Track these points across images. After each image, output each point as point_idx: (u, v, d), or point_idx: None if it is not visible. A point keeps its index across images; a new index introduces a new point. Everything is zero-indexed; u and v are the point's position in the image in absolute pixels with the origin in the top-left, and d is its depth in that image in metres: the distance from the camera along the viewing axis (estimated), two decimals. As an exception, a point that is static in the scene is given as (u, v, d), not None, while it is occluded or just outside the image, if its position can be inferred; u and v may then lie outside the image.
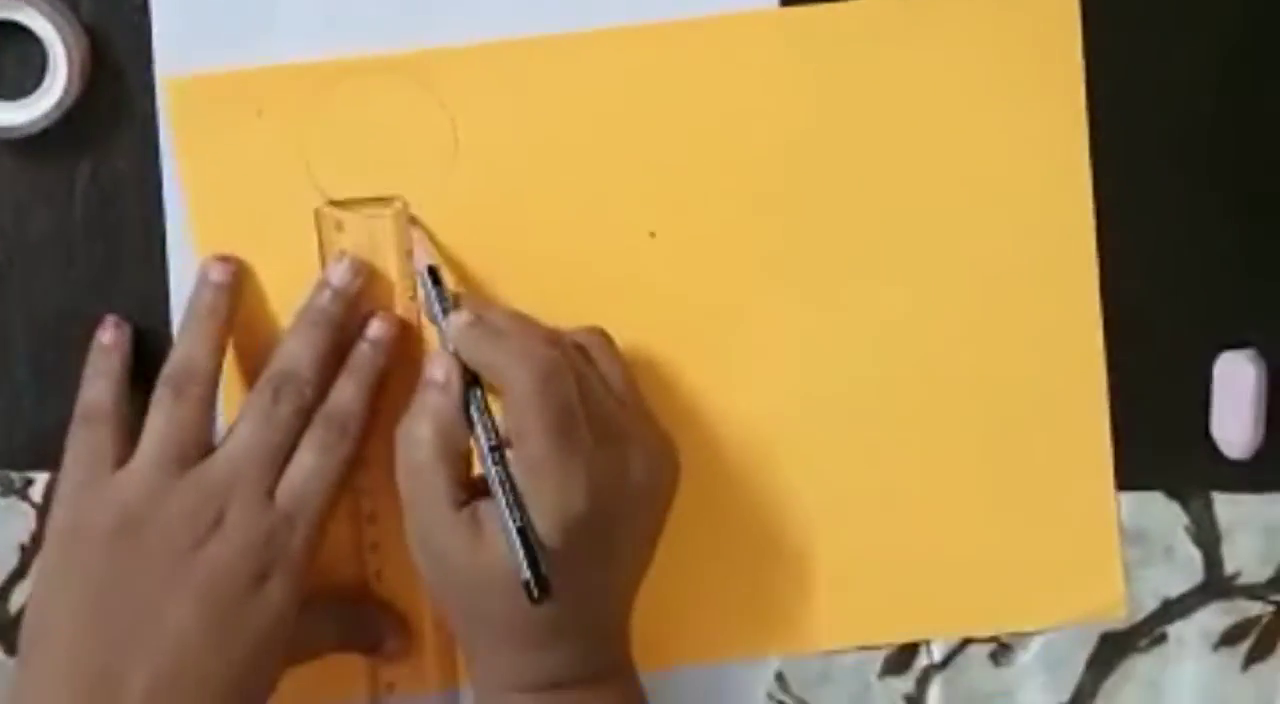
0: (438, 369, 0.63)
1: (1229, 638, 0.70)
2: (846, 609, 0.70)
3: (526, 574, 0.59)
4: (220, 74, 0.67)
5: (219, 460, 0.64)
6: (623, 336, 0.67)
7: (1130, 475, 0.69)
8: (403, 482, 0.63)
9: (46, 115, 0.66)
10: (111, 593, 0.62)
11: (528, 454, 0.61)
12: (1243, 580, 0.70)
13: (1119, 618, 0.70)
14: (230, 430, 0.65)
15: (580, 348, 0.65)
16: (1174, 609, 0.70)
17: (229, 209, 0.67)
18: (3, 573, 0.69)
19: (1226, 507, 0.70)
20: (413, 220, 0.67)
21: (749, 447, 0.69)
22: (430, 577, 0.64)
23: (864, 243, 0.68)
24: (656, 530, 0.66)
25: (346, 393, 0.66)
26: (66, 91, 0.66)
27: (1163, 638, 0.70)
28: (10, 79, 0.67)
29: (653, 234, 0.68)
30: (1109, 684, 0.70)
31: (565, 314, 0.67)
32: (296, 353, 0.65)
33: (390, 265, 0.68)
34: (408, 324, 0.68)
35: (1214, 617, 0.70)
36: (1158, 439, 0.69)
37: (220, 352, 0.66)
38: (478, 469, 0.63)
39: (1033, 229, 0.68)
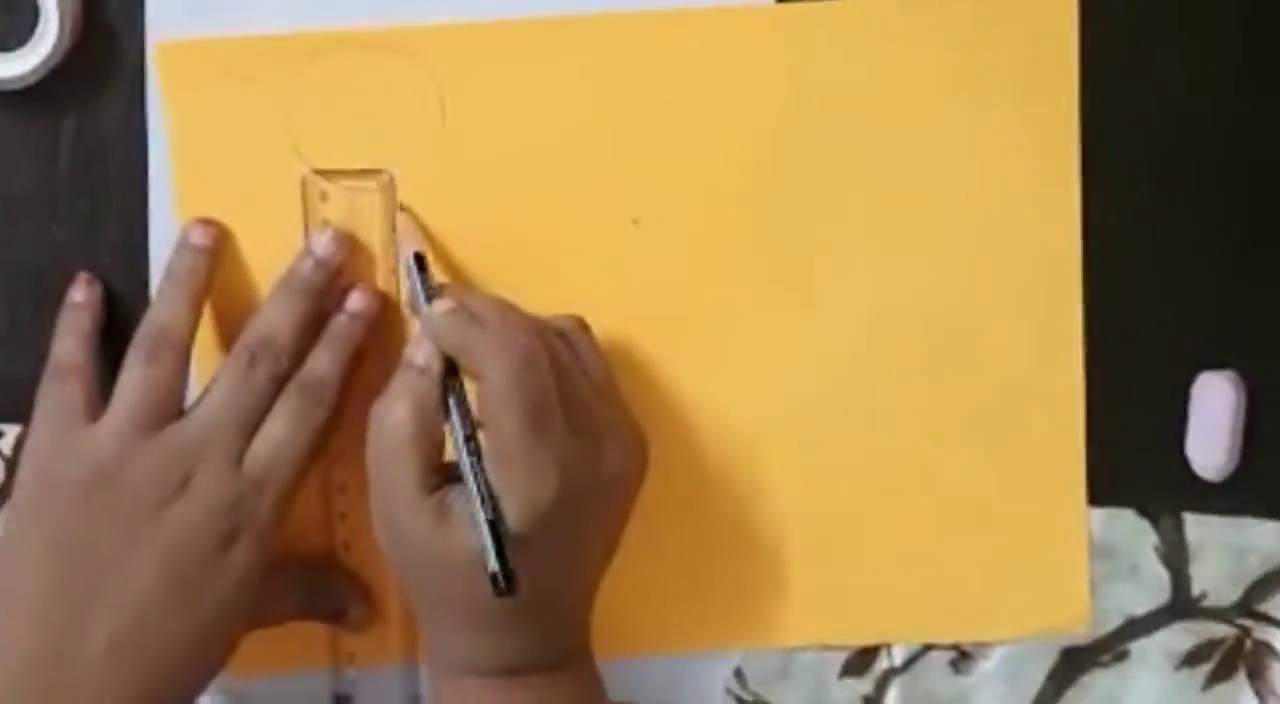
0: (419, 353, 0.63)
1: (1192, 658, 0.70)
2: (810, 608, 0.70)
3: (494, 567, 0.59)
4: (212, 39, 0.66)
5: (191, 422, 0.64)
6: (601, 322, 0.67)
7: (1102, 491, 0.69)
8: (372, 461, 0.63)
9: (35, 70, 0.66)
10: (78, 547, 0.63)
11: (500, 441, 0.61)
12: (1209, 602, 0.70)
13: (1082, 633, 0.70)
14: (204, 393, 0.65)
15: (561, 335, 0.65)
16: (1138, 627, 0.70)
17: (214, 173, 0.67)
18: (-30, 523, 0.69)
19: (1197, 527, 0.69)
20: (401, 206, 0.67)
21: (722, 440, 0.69)
22: (392, 556, 0.64)
23: (847, 243, 0.68)
24: (623, 520, 0.66)
25: (322, 362, 0.66)
26: (56, 47, 0.66)
27: (1125, 655, 0.70)
28: (0, 32, 0.66)
29: (635, 221, 0.67)
30: (1068, 697, 0.70)
31: (544, 296, 0.66)
32: (275, 319, 0.65)
33: (374, 238, 0.67)
34: (388, 298, 0.67)
35: (1177, 637, 0.70)
36: (1132, 456, 0.69)
37: (197, 315, 0.66)
38: (449, 455, 0.62)
39: (1018, 239, 0.67)
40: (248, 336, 0.65)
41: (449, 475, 0.62)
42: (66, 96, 0.67)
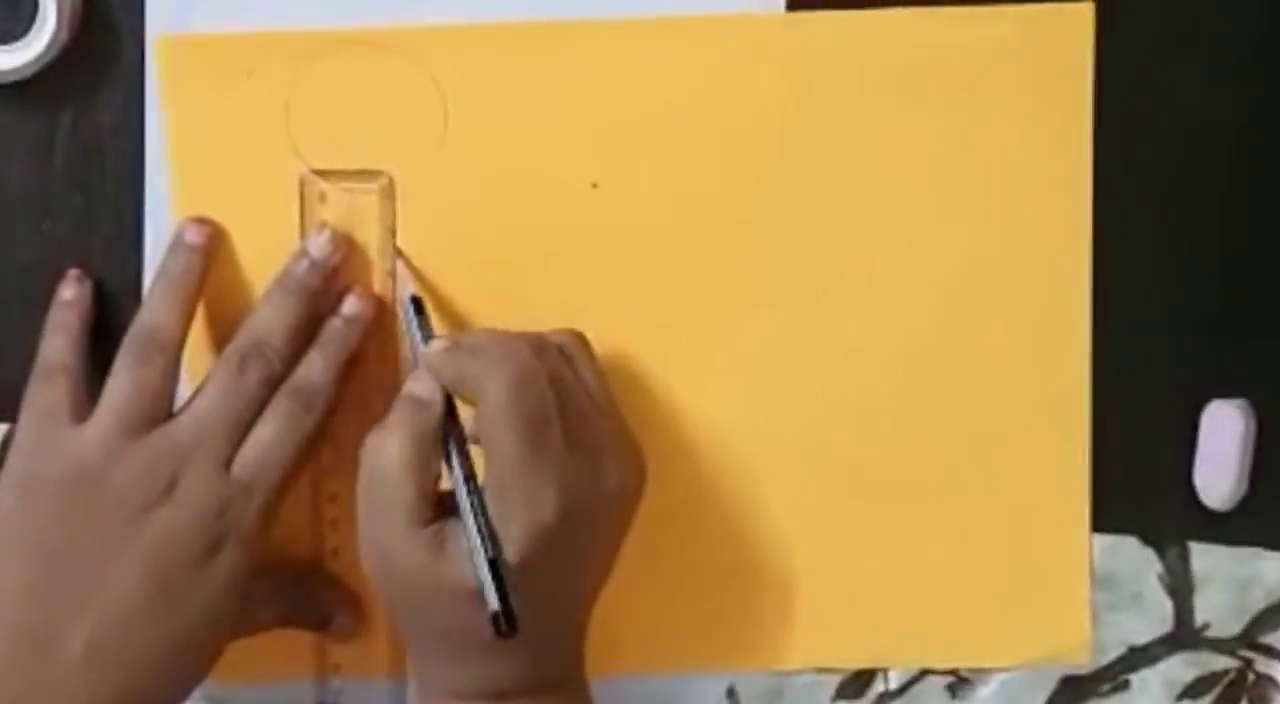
0: (420, 386, 0.62)
1: (1193, 690, 0.69)
2: (806, 629, 0.69)
3: (495, 607, 0.58)
4: (213, 35, 0.65)
5: (180, 425, 0.63)
6: (602, 327, 0.66)
7: (1106, 518, 0.68)
8: (364, 491, 0.62)
9: (32, 63, 0.65)
10: (60, 549, 0.62)
11: (499, 461, 0.60)
12: (1211, 633, 0.69)
13: (1083, 661, 0.69)
14: (195, 395, 0.64)
15: (559, 348, 0.64)
16: (1139, 656, 0.69)
17: (211, 171, 0.66)
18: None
19: (1202, 557, 0.69)
20: (399, 251, 0.66)
21: (719, 461, 0.68)
22: (381, 584, 0.63)
23: (853, 257, 0.67)
24: (620, 539, 0.65)
25: (315, 367, 0.65)
26: (54, 40, 0.65)
27: (1125, 685, 0.69)
28: (-2, 23, 0.66)
29: (639, 226, 0.66)
30: (1066, 726, 0.70)
31: (543, 301, 0.66)
32: (269, 322, 0.64)
33: (371, 241, 0.67)
34: (383, 303, 0.66)
35: (1179, 667, 0.69)
36: (1137, 483, 0.68)
37: (189, 316, 0.65)
38: (444, 485, 0.61)
39: (1025, 261, 0.67)
40: (240, 339, 0.64)
41: (444, 508, 0.61)
42: (64, 90, 0.66)
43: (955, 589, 0.68)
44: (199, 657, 0.63)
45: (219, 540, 0.62)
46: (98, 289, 0.67)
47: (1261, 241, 0.67)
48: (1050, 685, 0.69)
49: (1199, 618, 0.69)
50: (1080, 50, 0.66)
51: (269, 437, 0.63)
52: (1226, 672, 0.69)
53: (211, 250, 0.66)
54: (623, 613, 0.66)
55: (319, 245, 0.65)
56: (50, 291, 0.66)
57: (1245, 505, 0.67)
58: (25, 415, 0.64)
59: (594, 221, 0.66)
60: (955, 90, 0.66)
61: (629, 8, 0.65)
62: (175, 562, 0.62)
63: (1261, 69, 0.67)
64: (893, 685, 0.69)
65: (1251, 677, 0.69)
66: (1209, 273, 0.67)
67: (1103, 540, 0.68)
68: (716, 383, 0.67)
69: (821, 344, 0.67)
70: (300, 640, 0.68)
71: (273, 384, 0.64)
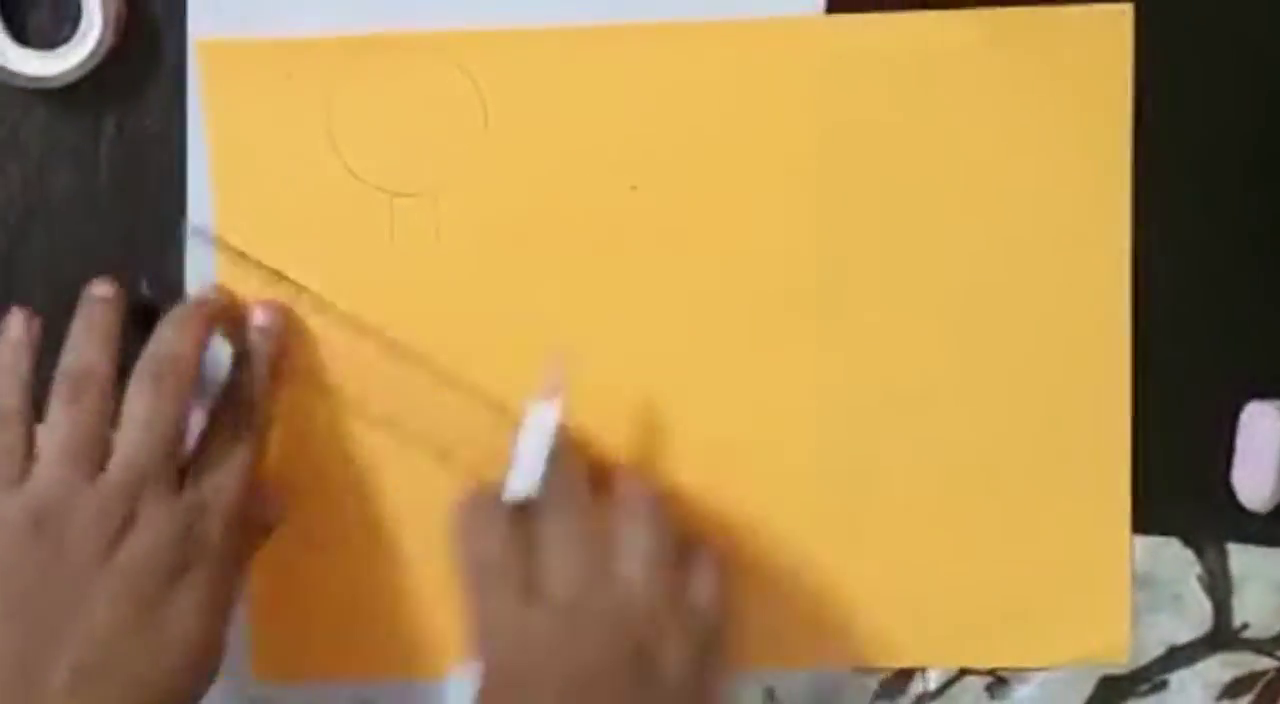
0: (519, 485, 0.64)
1: (1232, 690, 0.69)
2: (846, 629, 0.69)
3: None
4: (254, 39, 0.66)
5: (117, 460, 0.63)
6: (639, 333, 0.66)
7: (1146, 519, 0.68)
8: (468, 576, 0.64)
9: (76, 68, 0.65)
10: (32, 588, 0.61)
11: None
12: (1250, 634, 0.69)
13: (1122, 662, 0.69)
14: (120, 430, 0.63)
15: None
16: (1178, 657, 0.69)
17: (252, 173, 0.66)
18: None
19: (1241, 558, 0.68)
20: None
21: (761, 462, 0.68)
22: (502, 662, 0.63)
23: (890, 261, 0.66)
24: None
25: (244, 378, 0.66)
26: (99, 45, 0.65)
27: (1164, 685, 0.69)
28: (43, 29, 0.66)
29: (680, 232, 0.67)
30: (1105, 727, 0.70)
31: (582, 306, 0.66)
32: (170, 338, 0.64)
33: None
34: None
35: (1218, 668, 0.69)
36: (1177, 485, 0.68)
37: (112, 351, 0.64)
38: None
39: (1064, 264, 0.66)
40: (144, 361, 0.64)
41: None
42: (107, 95, 0.66)
43: (995, 589, 0.68)
44: (187, 680, 0.63)
45: (188, 559, 0.62)
46: (135, 291, 0.67)
47: (1301, 243, 0.67)
48: (1089, 686, 0.69)
49: (1238, 618, 0.69)
50: (1119, 51, 0.66)
51: (213, 453, 0.64)
52: (1265, 672, 0.69)
53: (120, 300, 0.66)
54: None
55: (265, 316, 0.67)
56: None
57: (1284, 506, 0.67)
58: None
59: (633, 224, 0.67)
60: (994, 92, 0.66)
61: (667, 12, 0.66)
62: (149, 585, 0.62)
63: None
64: (931, 686, 0.69)
65: (1290, 677, 0.69)
66: (1248, 274, 0.67)
67: (1142, 541, 0.68)
68: (758, 384, 0.67)
69: (861, 346, 0.67)
70: (341, 640, 0.69)
71: (188, 394, 0.64)
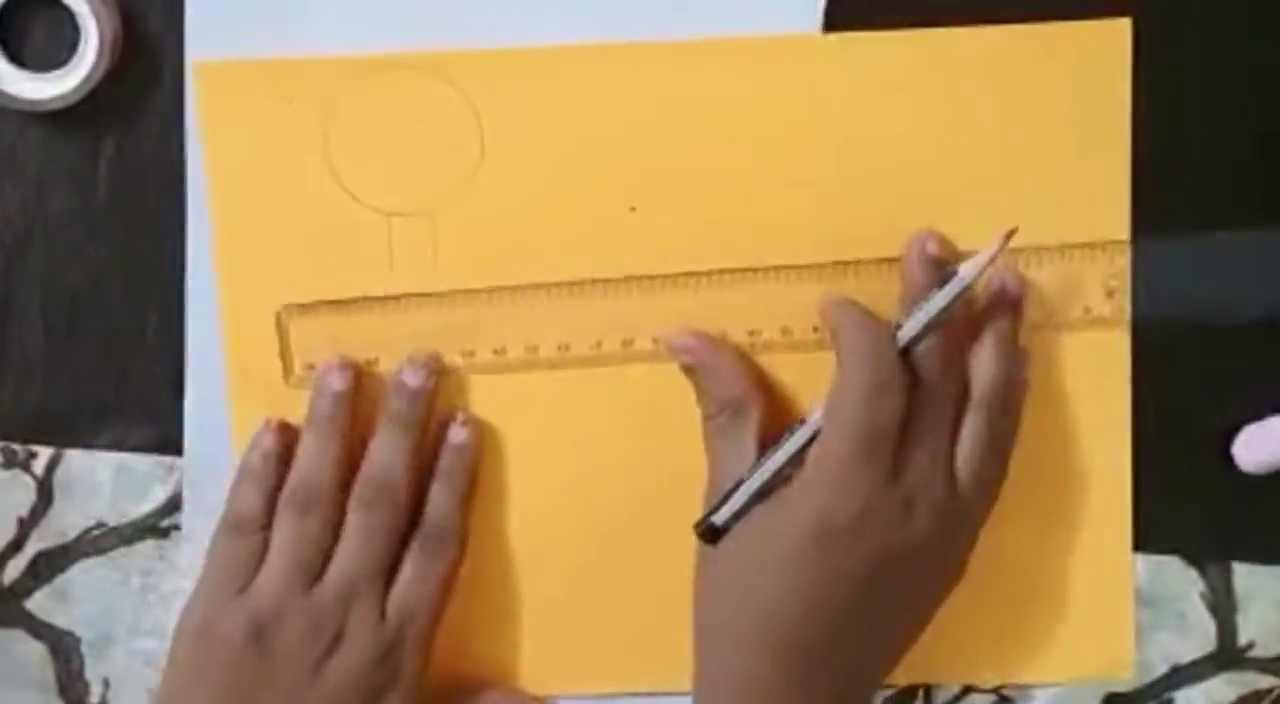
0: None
1: (1237, 709, 0.69)
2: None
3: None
4: (251, 61, 0.66)
5: (332, 577, 0.65)
6: (640, 355, 0.66)
7: (1149, 538, 0.68)
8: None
9: (74, 90, 0.65)
10: (236, 701, 0.63)
11: (818, 447, 0.62)
12: (1255, 652, 0.69)
13: (1126, 680, 0.69)
14: (338, 547, 0.65)
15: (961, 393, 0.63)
16: (1183, 675, 0.69)
17: (251, 195, 0.66)
18: (0, 543, 0.69)
19: (1245, 577, 0.68)
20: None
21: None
22: None
23: (893, 282, 0.66)
24: (917, 605, 0.65)
25: (441, 505, 0.66)
26: (95, 67, 0.65)
27: (1169, 703, 0.69)
28: (40, 52, 0.66)
29: (679, 253, 0.66)
30: (1109, 745, 0.69)
31: (580, 326, 0.66)
32: (385, 461, 0.65)
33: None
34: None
35: (1223, 686, 0.69)
36: (1180, 504, 0.68)
37: (340, 463, 0.65)
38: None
39: (1065, 284, 0.66)
40: (361, 484, 0.65)
41: None
42: (105, 117, 0.67)
43: (999, 607, 0.68)
44: None
45: (384, 684, 0.64)
46: (144, 313, 0.67)
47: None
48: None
49: (1242, 637, 0.68)
50: (1118, 66, 0.66)
51: (412, 581, 0.65)
52: (1270, 690, 0.69)
53: (354, 392, 0.66)
54: (668, 631, 0.66)
55: (414, 375, 0.66)
56: (94, 316, 0.67)
57: (1288, 524, 0.67)
58: (212, 566, 0.66)
59: (632, 245, 0.66)
60: (993, 107, 0.66)
61: (665, 31, 0.65)
62: None
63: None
64: (936, 704, 0.69)
65: (1295, 695, 0.69)
66: (1248, 289, 0.67)
67: (1146, 560, 0.68)
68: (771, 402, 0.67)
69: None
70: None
71: (401, 521, 0.65)
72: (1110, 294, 0.66)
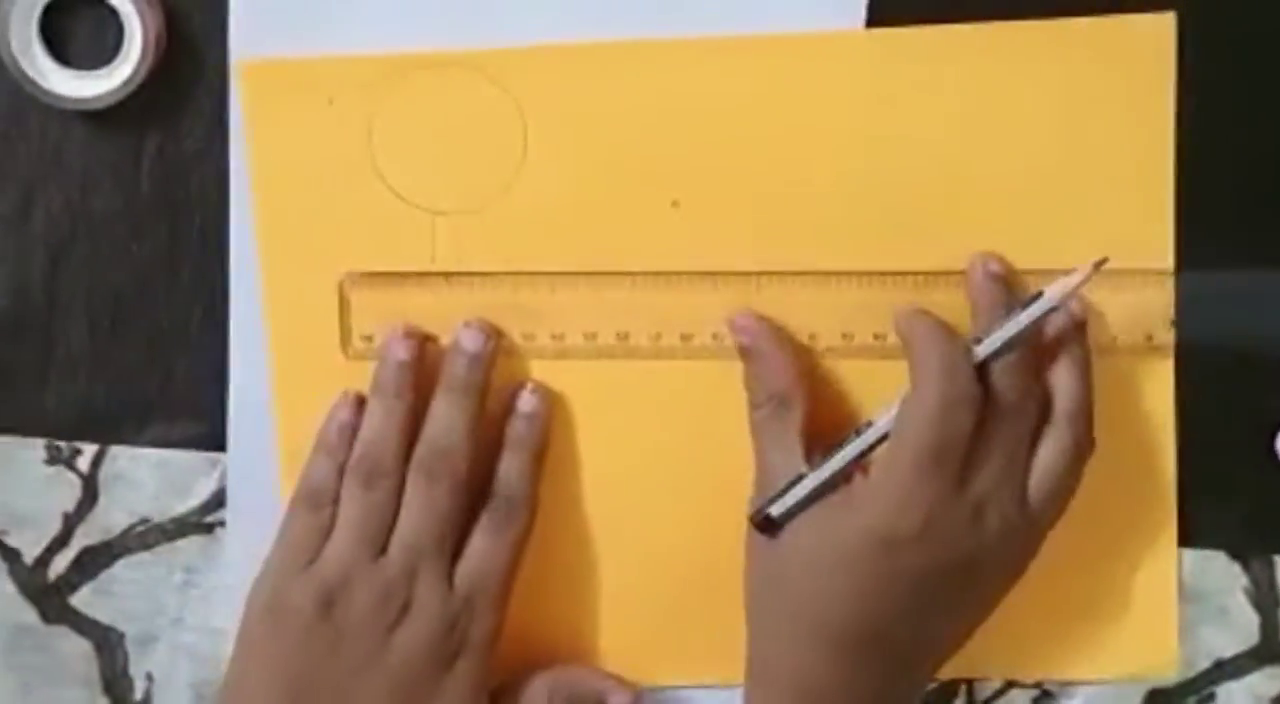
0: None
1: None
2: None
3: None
4: (294, 60, 0.66)
5: (395, 547, 0.64)
6: (684, 350, 0.66)
7: (1193, 534, 0.68)
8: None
9: (118, 89, 0.66)
10: (307, 674, 0.64)
11: (884, 457, 0.62)
12: (1298, 647, 0.69)
13: (1170, 676, 0.69)
14: (400, 517, 0.65)
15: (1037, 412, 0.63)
16: (1225, 670, 0.69)
17: (294, 193, 0.67)
18: (45, 539, 0.69)
19: (1289, 571, 0.68)
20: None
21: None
22: None
23: (939, 279, 0.66)
24: (975, 607, 0.65)
25: (512, 474, 0.66)
26: (139, 67, 0.65)
27: (1211, 698, 0.69)
28: (85, 51, 0.66)
29: (722, 248, 0.66)
30: (1152, 740, 0.69)
31: (624, 321, 0.66)
32: (447, 426, 0.65)
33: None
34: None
35: (1265, 681, 0.69)
36: (1224, 499, 0.68)
37: (405, 433, 0.65)
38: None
39: (1109, 280, 0.66)
40: (422, 451, 0.65)
41: None
42: (149, 116, 0.67)
43: (1043, 602, 0.67)
44: None
45: (455, 653, 0.64)
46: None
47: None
48: (1136, 699, 0.69)
49: (1286, 632, 0.69)
50: (1162, 61, 0.65)
51: (481, 548, 0.65)
52: (1312, 685, 0.69)
53: (419, 361, 0.66)
54: (704, 624, 0.67)
55: (472, 339, 0.66)
56: (137, 314, 0.68)
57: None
58: (285, 540, 0.65)
59: (675, 240, 0.66)
60: (1036, 103, 0.65)
61: (707, 26, 0.65)
62: (416, 678, 0.64)
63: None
64: (978, 699, 0.69)
65: (1337, 690, 0.69)
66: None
67: (1189, 555, 0.68)
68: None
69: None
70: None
71: (464, 487, 0.65)
72: (1153, 289, 0.66)
